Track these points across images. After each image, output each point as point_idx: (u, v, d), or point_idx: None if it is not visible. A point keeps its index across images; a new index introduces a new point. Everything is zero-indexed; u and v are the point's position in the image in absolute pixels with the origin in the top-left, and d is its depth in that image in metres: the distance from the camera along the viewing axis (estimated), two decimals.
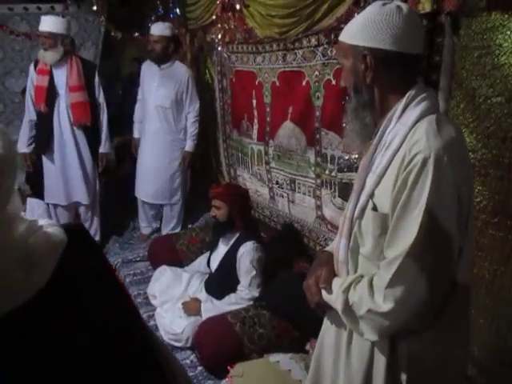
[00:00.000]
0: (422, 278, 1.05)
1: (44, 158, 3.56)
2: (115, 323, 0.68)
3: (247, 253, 2.59)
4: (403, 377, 1.16)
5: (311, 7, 2.41)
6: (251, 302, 2.58)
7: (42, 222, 0.69)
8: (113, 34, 4.27)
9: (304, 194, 2.99)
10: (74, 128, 3.50)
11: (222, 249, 2.78)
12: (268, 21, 2.86)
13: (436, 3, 1.78)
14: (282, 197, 3.22)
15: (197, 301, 2.65)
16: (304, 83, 2.78)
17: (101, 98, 3.57)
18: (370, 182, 1.15)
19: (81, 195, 3.64)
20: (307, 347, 2.29)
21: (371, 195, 1.15)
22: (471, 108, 1.79)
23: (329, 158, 2.68)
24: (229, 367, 2.16)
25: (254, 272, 2.59)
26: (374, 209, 1.14)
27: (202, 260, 3.04)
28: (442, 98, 1.87)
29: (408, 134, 1.10)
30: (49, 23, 3.28)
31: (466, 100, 1.80)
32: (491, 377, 1.89)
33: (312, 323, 1.57)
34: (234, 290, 2.64)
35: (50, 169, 3.59)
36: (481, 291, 1.87)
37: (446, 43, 1.81)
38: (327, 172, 2.71)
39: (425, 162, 1.03)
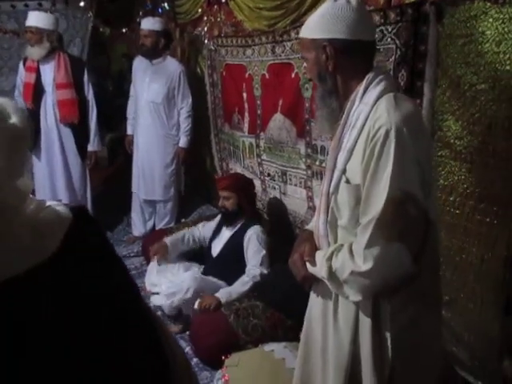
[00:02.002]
0: (393, 239, 1.15)
1: (33, 156, 3.55)
2: (113, 290, 0.74)
3: (256, 234, 2.72)
4: (387, 334, 1.24)
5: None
6: (254, 285, 2.60)
7: (50, 202, 0.76)
8: (101, 29, 4.25)
9: (295, 185, 3.01)
10: (60, 126, 3.48)
11: (226, 234, 2.87)
12: (256, 13, 2.87)
13: None
14: (274, 189, 3.24)
15: (213, 296, 2.56)
16: (293, 75, 2.79)
17: (90, 95, 3.54)
18: (341, 158, 1.26)
19: (65, 194, 3.62)
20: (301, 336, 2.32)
21: (344, 171, 1.25)
22: (456, 95, 1.81)
23: (319, 149, 2.70)
24: (223, 358, 2.18)
25: (264, 252, 2.69)
26: (347, 182, 1.24)
27: (200, 227, 3.09)
28: (428, 87, 1.90)
29: (370, 112, 1.21)
30: (35, 18, 3.25)
31: (452, 88, 1.83)
32: (481, 361, 1.93)
33: (305, 312, 1.60)
34: (236, 273, 2.68)
35: (37, 167, 3.59)
36: (469, 276, 1.90)
37: (431, 32, 1.84)
38: (317, 163, 2.73)
39: (387, 133, 1.14)
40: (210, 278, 2.71)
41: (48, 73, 3.38)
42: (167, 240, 2.96)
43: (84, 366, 0.68)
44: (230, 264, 2.73)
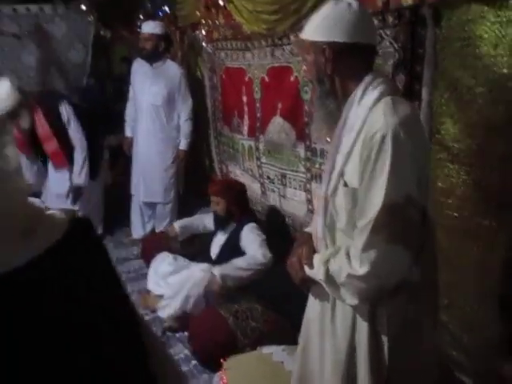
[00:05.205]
0: (389, 246, 1.15)
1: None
2: (103, 297, 0.72)
3: (251, 229, 2.80)
4: (384, 338, 1.24)
5: (296, 3, 2.43)
6: (261, 267, 2.65)
7: (52, 210, 0.76)
8: (102, 33, 4.27)
9: (295, 188, 3.01)
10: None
11: (221, 238, 2.94)
12: (255, 16, 2.88)
13: None
14: (274, 192, 3.25)
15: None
16: (292, 78, 2.80)
17: (72, 129, 3.46)
18: (339, 162, 1.26)
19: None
20: (299, 339, 2.31)
21: (341, 174, 1.25)
22: (454, 98, 1.81)
23: (318, 152, 2.70)
24: (222, 360, 2.18)
25: (260, 238, 2.75)
26: (345, 185, 1.24)
27: (209, 217, 3.14)
28: (426, 90, 1.90)
29: (368, 115, 1.21)
30: (4, 103, 3.06)
31: (450, 91, 1.83)
32: (480, 364, 1.92)
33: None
34: None
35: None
36: (468, 279, 1.90)
37: (429, 35, 1.84)
38: (317, 166, 2.73)
39: (383, 138, 1.14)
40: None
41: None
42: (176, 224, 3.21)
43: (71, 366, 0.67)
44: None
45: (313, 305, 1.45)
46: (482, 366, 1.91)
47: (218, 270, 2.61)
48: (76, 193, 3.57)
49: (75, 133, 3.47)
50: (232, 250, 2.80)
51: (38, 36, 4.29)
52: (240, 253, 2.77)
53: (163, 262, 2.95)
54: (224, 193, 2.88)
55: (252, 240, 2.75)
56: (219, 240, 2.95)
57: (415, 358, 1.29)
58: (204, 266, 2.72)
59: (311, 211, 2.90)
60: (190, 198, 4.15)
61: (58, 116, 3.40)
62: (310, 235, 1.42)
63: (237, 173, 3.70)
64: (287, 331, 2.38)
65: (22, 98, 3.14)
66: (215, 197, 2.90)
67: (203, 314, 2.47)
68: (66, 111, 3.43)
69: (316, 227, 1.35)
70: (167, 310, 2.61)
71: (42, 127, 3.31)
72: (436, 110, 1.88)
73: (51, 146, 3.37)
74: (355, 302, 1.22)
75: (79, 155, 3.49)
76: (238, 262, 2.67)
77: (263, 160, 3.28)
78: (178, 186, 4.00)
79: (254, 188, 3.49)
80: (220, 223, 2.96)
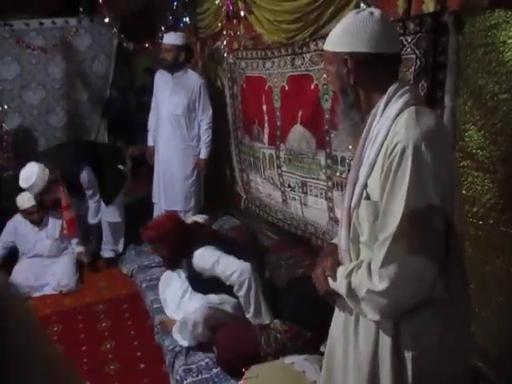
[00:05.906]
0: (410, 256, 1.12)
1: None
2: None
3: (198, 259, 2.52)
4: (408, 355, 1.20)
5: (316, 12, 2.45)
6: (246, 278, 2.43)
7: None
8: (125, 45, 4.35)
9: (316, 196, 3.00)
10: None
11: (184, 273, 2.81)
12: (275, 26, 2.90)
13: (439, 3, 1.80)
14: (295, 200, 3.24)
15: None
16: (312, 87, 2.80)
17: (90, 192, 3.71)
18: (363, 173, 1.24)
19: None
20: (322, 349, 2.29)
21: (365, 186, 1.23)
22: (478, 105, 1.79)
23: (339, 160, 2.69)
24: (244, 369, 2.18)
25: (216, 259, 2.46)
26: (367, 198, 1.22)
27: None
28: (449, 97, 1.88)
29: (391, 126, 1.18)
30: (37, 183, 3.35)
31: (473, 97, 1.80)
32: (508, 377, 1.87)
33: (326, 324, 1.58)
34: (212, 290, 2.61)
35: None
36: (494, 289, 1.86)
37: (451, 42, 1.82)
38: (338, 174, 2.73)
39: (403, 150, 1.12)
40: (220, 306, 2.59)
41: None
42: None
43: None
44: (202, 287, 2.65)
45: (337, 319, 1.43)
46: (510, 378, 1.86)
47: (253, 320, 2.50)
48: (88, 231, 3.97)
49: (91, 194, 3.75)
50: (197, 280, 2.63)
51: (64, 48, 4.39)
52: (205, 279, 2.56)
53: (171, 284, 2.89)
54: (160, 241, 2.61)
55: (215, 269, 2.46)
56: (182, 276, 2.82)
57: (442, 376, 1.24)
58: (201, 306, 2.56)
59: (333, 219, 2.89)
60: (210, 206, 4.18)
61: (78, 183, 3.63)
62: (335, 246, 1.40)
63: (258, 181, 3.72)
64: (308, 340, 2.37)
65: (51, 176, 3.41)
66: (153, 244, 2.71)
67: (231, 323, 2.46)
68: (87, 177, 3.62)
69: (340, 239, 1.33)
70: (182, 341, 2.56)
71: (63, 199, 3.57)
72: (459, 117, 1.86)
73: (68, 214, 3.62)
74: (377, 317, 1.20)
75: (92, 203, 3.81)
76: (249, 306, 2.48)
77: (284, 168, 3.29)
78: (199, 195, 4.04)
79: (275, 196, 3.49)
80: (171, 266, 2.81)
